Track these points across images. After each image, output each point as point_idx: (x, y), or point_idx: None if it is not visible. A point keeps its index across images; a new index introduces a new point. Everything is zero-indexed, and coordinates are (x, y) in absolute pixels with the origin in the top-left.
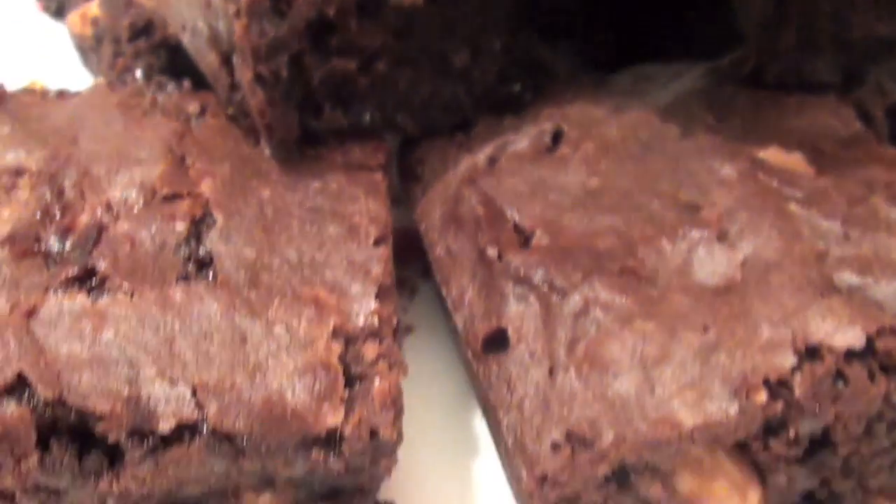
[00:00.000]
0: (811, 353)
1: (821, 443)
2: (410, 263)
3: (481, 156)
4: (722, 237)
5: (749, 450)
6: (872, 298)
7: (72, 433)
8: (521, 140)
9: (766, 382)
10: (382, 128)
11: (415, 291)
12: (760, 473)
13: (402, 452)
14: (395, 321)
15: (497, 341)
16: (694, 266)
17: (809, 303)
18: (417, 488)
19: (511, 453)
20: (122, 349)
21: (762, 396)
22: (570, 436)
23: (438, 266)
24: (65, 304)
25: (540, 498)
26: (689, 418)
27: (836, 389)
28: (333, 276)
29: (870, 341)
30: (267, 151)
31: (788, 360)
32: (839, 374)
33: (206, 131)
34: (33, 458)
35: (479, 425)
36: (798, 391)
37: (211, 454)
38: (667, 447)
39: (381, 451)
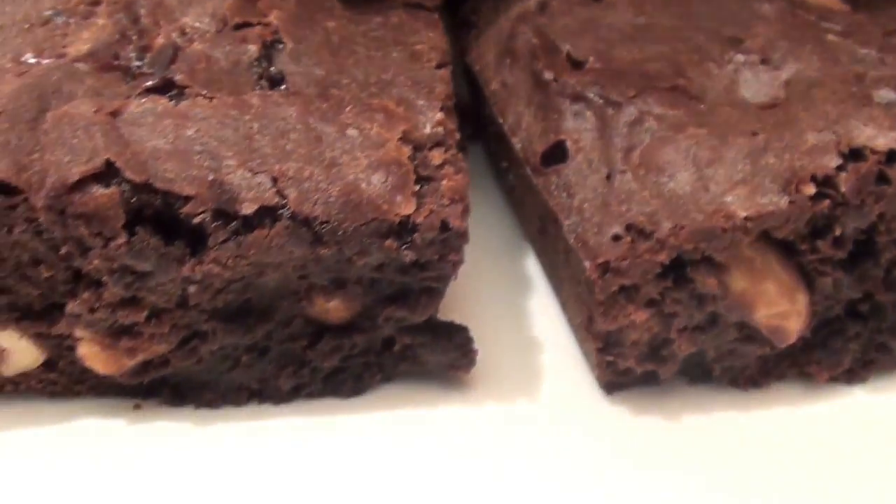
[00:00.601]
0: (855, 154)
1: (864, 252)
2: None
3: (532, 1)
4: (765, 61)
5: (797, 254)
6: None
7: (157, 223)
8: None
9: (814, 179)
10: None
11: (465, 152)
12: (808, 280)
13: (460, 283)
14: (457, 136)
15: (555, 157)
16: (740, 86)
17: (852, 112)
18: (476, 314)
19: (572, 252)
20: (204, 144)
21: (811, 189)
22: (629, 228)
23: (495, 99)
24: (147, 106)
25: (602, 288)
26: (742, 210)
27: (879, 188)
28: (399, 93)
29: None
30: None
31: (833, 160)
32: (882, 176)
33: None
34: (121, 239)
35: (532, 267)
36: (844, 187)
37: (290, 238)
38: (721, 237)
39: (451, 242)
